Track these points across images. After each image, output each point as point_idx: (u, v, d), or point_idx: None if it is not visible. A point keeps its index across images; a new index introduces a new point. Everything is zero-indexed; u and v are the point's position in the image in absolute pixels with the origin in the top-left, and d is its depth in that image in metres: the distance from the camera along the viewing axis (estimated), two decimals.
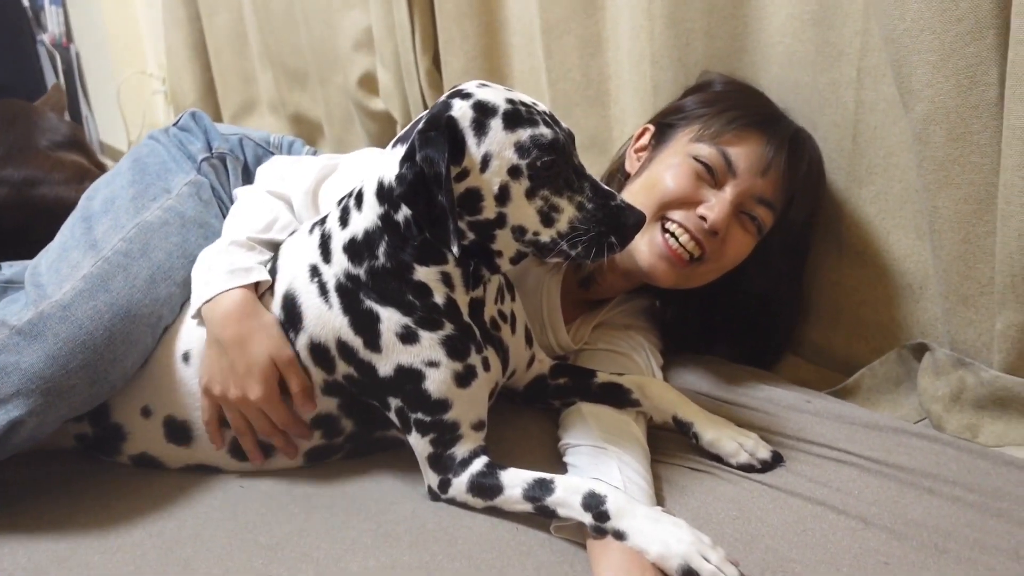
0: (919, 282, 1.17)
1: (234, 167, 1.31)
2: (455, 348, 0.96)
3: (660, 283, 1.17)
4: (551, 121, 0.92)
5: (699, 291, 1.24)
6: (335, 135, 2.23)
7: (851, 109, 1.17)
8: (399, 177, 0.89)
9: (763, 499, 0.94)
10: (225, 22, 2.48)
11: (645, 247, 1.14)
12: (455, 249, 0.88)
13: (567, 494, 0.88)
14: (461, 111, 0.90)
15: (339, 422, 1.03)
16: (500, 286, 1.05)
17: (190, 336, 1.04)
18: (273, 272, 1.04)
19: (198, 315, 1.02)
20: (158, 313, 1.04)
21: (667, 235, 1.14)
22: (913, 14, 0.99)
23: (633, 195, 1.17)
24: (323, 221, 1.03)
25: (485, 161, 0.89)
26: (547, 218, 0.91)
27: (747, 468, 1.00)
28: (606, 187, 0.94)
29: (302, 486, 1.02)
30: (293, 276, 1.01)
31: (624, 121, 1.48)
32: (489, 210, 0.91)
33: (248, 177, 1.31)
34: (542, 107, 0.94)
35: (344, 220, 0.99)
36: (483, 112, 0.90)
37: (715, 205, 1.12)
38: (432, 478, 0.97)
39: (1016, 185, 0.95)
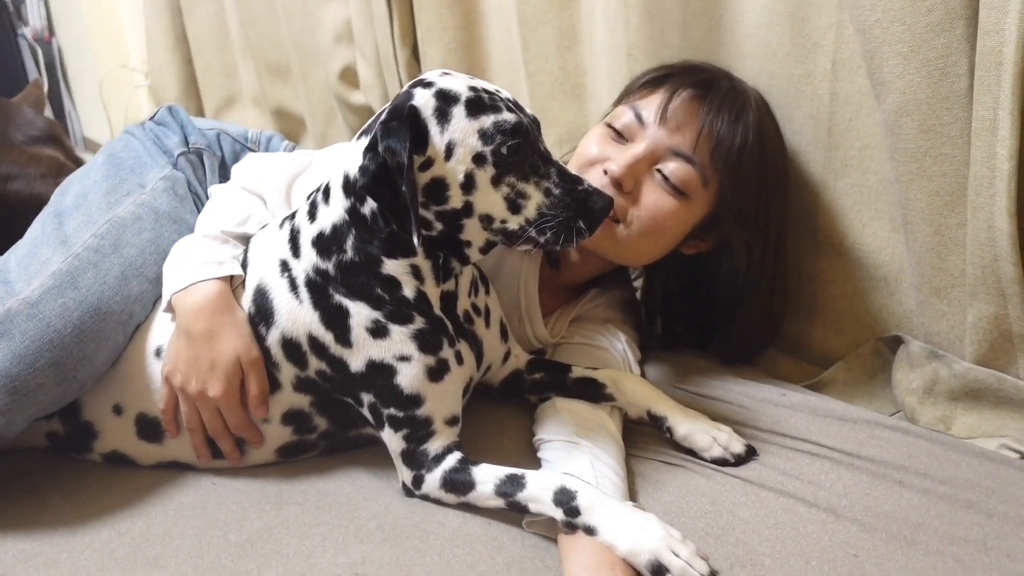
0: (894, 275, 1.17)
1: (211, 163, 1.30)
2: (427, 342, 0.96)
3: (587, 246, 1.12)
4: (514, 107, 0.92)
5: (677, 284, 1.24)
6: (318, 129, 2.21)
7: (826, 101, 1.17)
8: (362, 168, 0.89)
9: (735, 492, 0.95)
10: (206, 15, 2.46)
11: None
12: (416, 240, 0.87)
13: (538, 490, 0.87)
14: (423, 100, 0.90)
15: (311, 419, 1.02)
16: (474, 279, 1.05)
17: (162, 332, 1.03)
18: (244, 265, 1.03)
19: (168, 306, 1.01)
20: (129, 310, 1.03)
21: None
22: (884, 5, 0.99)
23: None
24: (293, 216, 1.03)
25: (449, 149, 0.89)
26: (514, 205, 0.91)
27: (720, 462, 1.00)
28: (573, 172, 0.94)
29: (274, 483, 1.01)
30: (264, 271, 1.00)
31: (600, 115, 1.48)
32: (455, 199, 0.91)
33: (225, 173, 1.30)
34: (505, 94, 0.94)
35: (312, 214, 0.98)
36: (445, 100, 0.90)
37: (618, 158, 1.11)
38: (406, 474, 0.97)
39: (985, 176, 0.95)
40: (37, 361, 0.93)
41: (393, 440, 0.97)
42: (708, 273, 1.21)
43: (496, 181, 0.90)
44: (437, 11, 1.63)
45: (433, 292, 0.97)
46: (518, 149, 0.90)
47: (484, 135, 0.89)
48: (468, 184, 0.90)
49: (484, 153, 0.89)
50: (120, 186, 1.14)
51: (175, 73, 2.61)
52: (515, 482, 0.89)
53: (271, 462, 1.05)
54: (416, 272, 0.95)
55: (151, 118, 1.34)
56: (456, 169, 0.89)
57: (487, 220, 0.92)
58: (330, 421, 1.03)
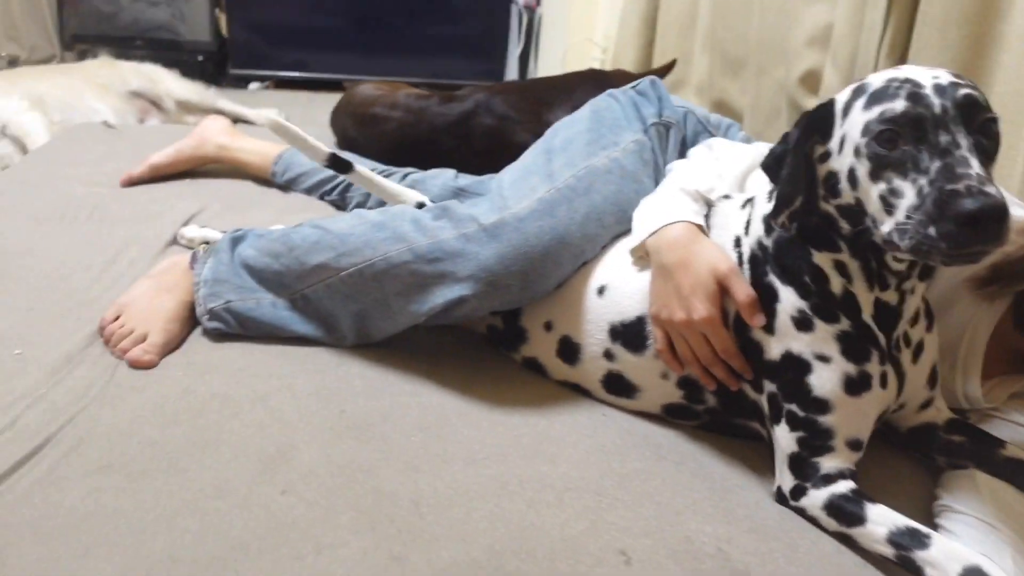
0: None
1: (676, 138, 1.39)
2: (852, 348, 0.92)
3: None
4: (930, 92, 0.78)
5: None
6: (755, 128, 2.21)
7: None
8: (771, 150, 0.92)
9: None
10: (680, 3, 2.60)
11: None
12: (779, 219, 0.89)
13: (944, 558, 0.80)
14: (843, 95, 0.88)
15: (703, 392, 1.06)
16: (918, 310, 0.97)
17: (609, 273, 1.15)
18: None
19: (641, 249, 1.10)
20: (583, 247, 1.17)
21: None
22: None
23: None
24: (753, 199, 1.06)
25: (841, 142, 0.86)
26: (888, 205, 0.81)
27: None
28: (975, 170, 0.74)
29: (656, 436, 1.08)
30: (721, 245, 1.05)
31: None
32: (846, 194, 0.87)
33: (683, 151, 1.39)
34: (942, 80, 0.79)
35: (771, 194, 1.01)
36: (856, 94, 0.86)
37: None
38: (787, 480, 0.95)
39: None
40: (512, 266, 1.11)
41: (785, 438, 0.95)
42: None
43: (874, 176, 0.82)
44: (943, 27, 1.49)
45: (865, 296, 0.92)
46: (891, 139, 0.79)
47: (866, 127, 0.82)
48: (851, 178, 0.85)
49: (859, 145, 0.83)
50: (599, 140, 1.30)
51: (635, 53, 2.83)
52: (915, 537, 0.82)
53: (655, 414, 1.12)
54: (842, 269, 0.92)
55: (633, 87, 1.48)
56: (843, 163, 0.86)
57: (874, 222, 0.84)
58: (720, 401, 1.06)
